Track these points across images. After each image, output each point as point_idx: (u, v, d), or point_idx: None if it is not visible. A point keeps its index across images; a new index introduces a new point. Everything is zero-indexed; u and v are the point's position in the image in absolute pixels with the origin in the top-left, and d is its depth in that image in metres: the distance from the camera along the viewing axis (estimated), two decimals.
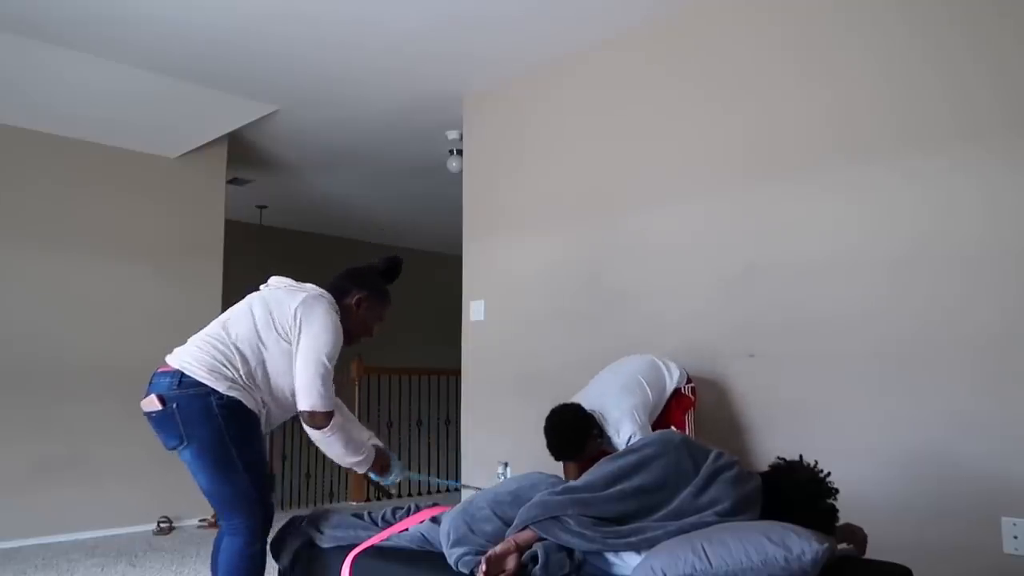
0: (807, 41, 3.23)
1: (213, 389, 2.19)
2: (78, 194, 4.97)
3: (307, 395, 2.23)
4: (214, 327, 2.34)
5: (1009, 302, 2.62)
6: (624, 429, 2.84)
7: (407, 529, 2.28)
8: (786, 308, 3.17)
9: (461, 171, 4.93)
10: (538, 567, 1.84)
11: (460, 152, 5.25)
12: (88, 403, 4.86)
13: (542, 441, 4.05)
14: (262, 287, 2.45)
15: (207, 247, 5.46)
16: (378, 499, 6.64)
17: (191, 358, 2.25)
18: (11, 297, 4.68)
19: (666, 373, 3.07)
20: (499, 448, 4.22)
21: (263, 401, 2.29)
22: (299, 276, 2.45)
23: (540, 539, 1.91)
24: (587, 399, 2.97)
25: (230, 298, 5.62)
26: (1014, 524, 2.54)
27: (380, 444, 2.59)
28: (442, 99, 4.74)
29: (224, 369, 2.22)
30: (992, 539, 2.57)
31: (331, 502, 7.04)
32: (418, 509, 2.42)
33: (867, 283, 2.95)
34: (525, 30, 3.89)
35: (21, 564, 4.04)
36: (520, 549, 1.89)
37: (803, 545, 1.71)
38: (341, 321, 2.34)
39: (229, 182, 5.87)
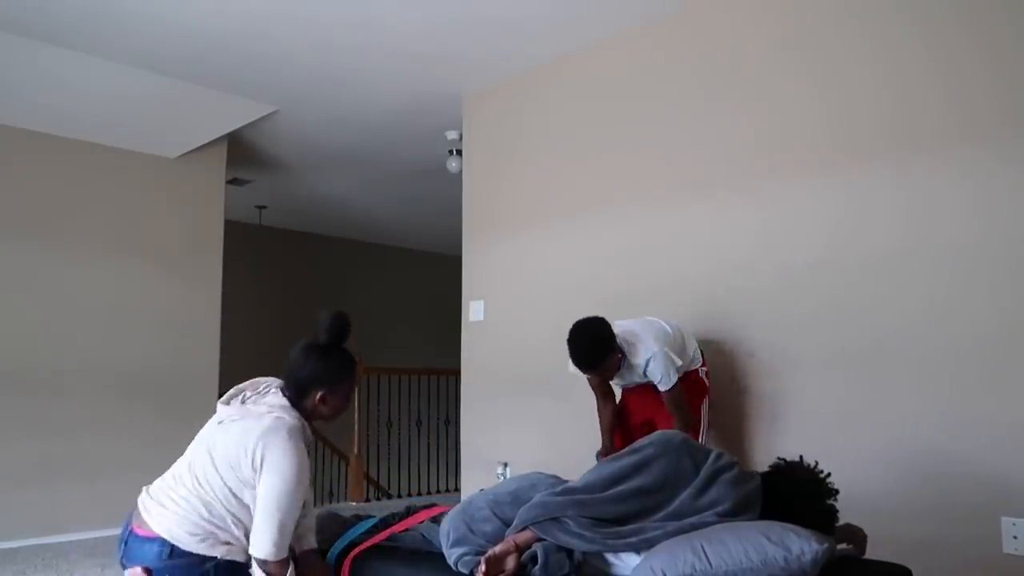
0: (808, 41, 3.23)
1: (210, 556, 1.98)
2: (78, 194, 4.97)
3: (261, 544, 1.95)
4: (189, 483, 2.04)
5: (1009, 301, 2.62)
6: (648, 345, 2.90)
7: (407, 529, 2.28)
8: (786, 308, 3.17)
9: (461, 171, 4.93)
10: (537, 567, 1.84)
11: (459, 152, 5.25)
12: (88, 402, 4.86)
13: (542, 441, 4.07)
14: (214, 420, 2.12)
15: (207, 247, 5.46)
16: (378, 499, 6.65)
17: (177, 525, 1.99)
18: (11, 297, 4.67)
19: (684, 339, 3.08)
20: (499, 448, 4.22)
21: None
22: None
23: (539, 539, 1.91)
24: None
25: (229, 298, 5.66)
26: (1014, 524, 2.54)
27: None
28: (442, 100, 4.74)
29: (218, 533, 1.99)
30: (992, 539, 2.57)
31: (331, 502, 7.04)
32: (417, 510, 2.42)
33: (867, 283, 2.95)
34: (524, 30, 3.89)
35: (21, 564, 4.04)
36: (519, 549, 1.89)
37: (803, 545, 1.71)
38: (310, 418, 2.12)
39: (229, 182, 5.87)
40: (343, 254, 8.58)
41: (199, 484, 2.02)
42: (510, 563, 1.86)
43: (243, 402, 2.09)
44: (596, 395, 3.18)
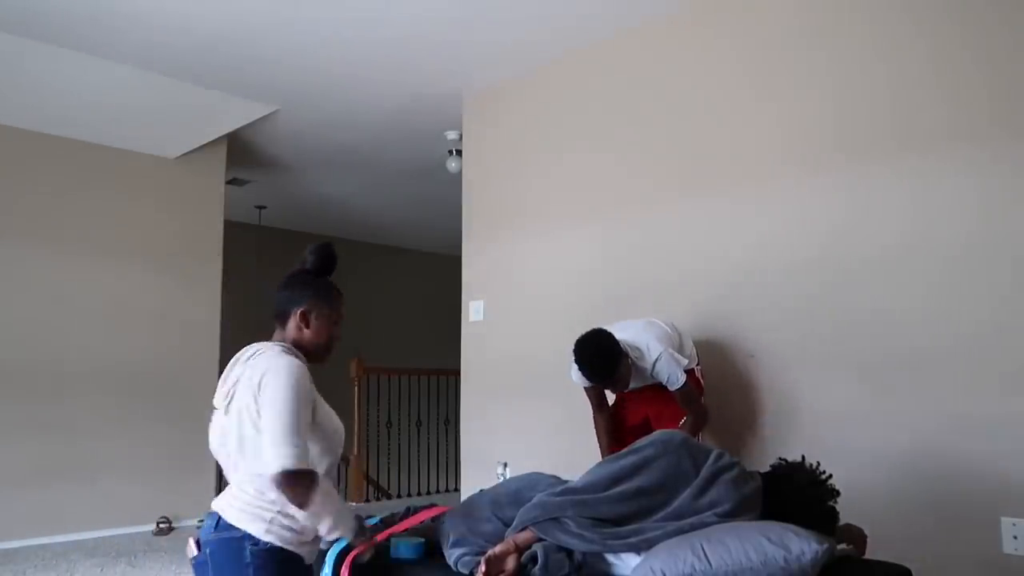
0: (813, 39, 3.23)
1: (247, 533, 1.81)
2: (78, 194, 4.98)
3: (271, 456, 1.73)
4: (230, 464, 1.93)
5: (1008, 302, 2.62)
6: (653, 347, 2.90)
7: (407, 529, 2.28)
8: (786, 309, 3.17)
9: (460, 171, 4.93)
10: (537, 567, 1.84)
11: (459, 152, 5.25)
12: (88, 403, 4.87)
13: (542, 441, 4.06)
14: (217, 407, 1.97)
15: (206, 247, 5.46)
16: (377, 499, 6.65)
17: (228, 498, 1.88)
18: (11, 297, 4.68)
19: (681, 339, 3.09)
20: (499, 448, 4.22)
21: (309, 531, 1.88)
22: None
23: (539, 540, 1.91)
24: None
25: (230, 298, 5.66)
26: (1014, 524, 2.54)
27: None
28: (441, 99, 4.74)
29: (260, 509, 1.82)
30: (992, 539, 2.57)
31: None
32: (417, 510, 2.42)
33: (867, 283, 2.95)
34: (524, 30, 3.89)
35: (21, 564, 4.04)
36: (519, 550, 1.89)
37: (802, 545, 1.71)
38: (298, 342, 1.98)
39: (228, 182, 5.87)
40: (343, 254, 8.39)
41: (238, 458, 1.87)
42: (510, 563, 1.86)
43: (234, 366, 1.97)
44: (591, 404, 3.17)
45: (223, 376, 1.95)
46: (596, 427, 3.18)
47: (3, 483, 4.52)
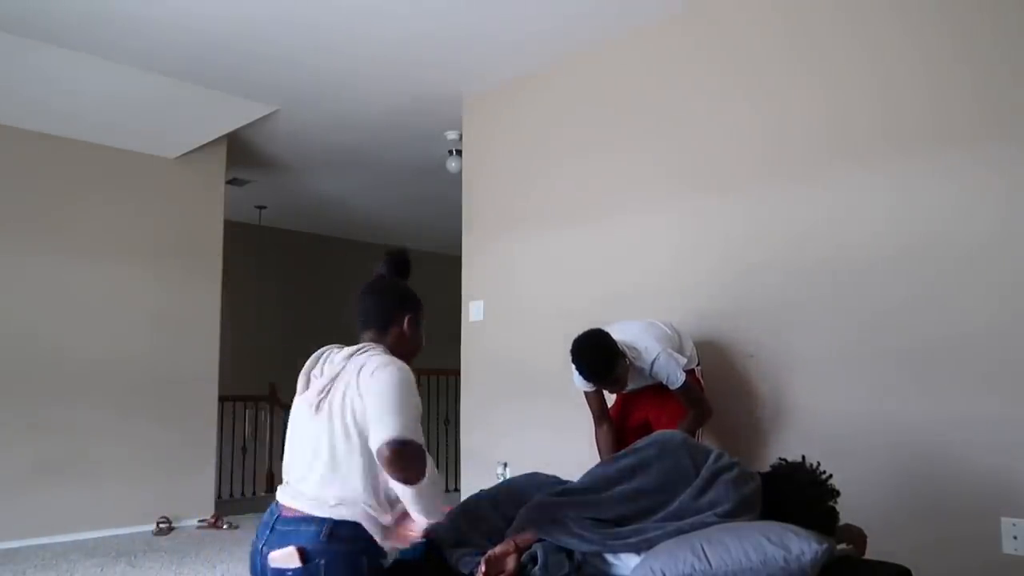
0: (810, 41, 3.23)
1: (366, 544, 1.70)
2: (78, 194, 4.97)
3: (386, 428, 1.61)
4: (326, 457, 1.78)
5: (1009, 302, 2.62)
6: (652, 347, 2.89)
7: None
8: (785, 309, 3.17)
9: (460, 171, 4.93)
10: (537, 568, 1.84)
11: (459, 153, 5.25)
12: (88, 403, 4.86)
13: (542, 441, 4.06)
14: (302, 403, 1.85)
15: (206, 247, 5.46)
16: None
17: (336, 502, 1.70)
18: (10, 297, 4.67)
19: (681, 338, 3.09)
20: (499, 448, 4.22)
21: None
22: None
23: (539, 540, 1.91)
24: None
25: (230, 298, 5.65)
26: (1014, 524, 2.54)
27: None
28: (442, 100, 4.74)
29: (373, 511, 1.71)
30: (992, 539, 2.57)
31: None
32: None
33: (866, 283, 2.95)
34: (525, 31, 3.89)
35: (21, 564, 4.04)
36: (519, 550, 1.89)
37: (802, 545, 1.71)
38: (399, 348, 1.90)
39: (228, 183, 5.87)
40: (343, 254, 8.57)
41: (346, 457, 1.76)
42: (510, 563, 1.86)
43: (324, 364, 1.89)
44: (592, 415, 3.14)
45: (307, 376, 1.86)
46: (597, 441, 3.15)
47: (3, 483, 4.52)
